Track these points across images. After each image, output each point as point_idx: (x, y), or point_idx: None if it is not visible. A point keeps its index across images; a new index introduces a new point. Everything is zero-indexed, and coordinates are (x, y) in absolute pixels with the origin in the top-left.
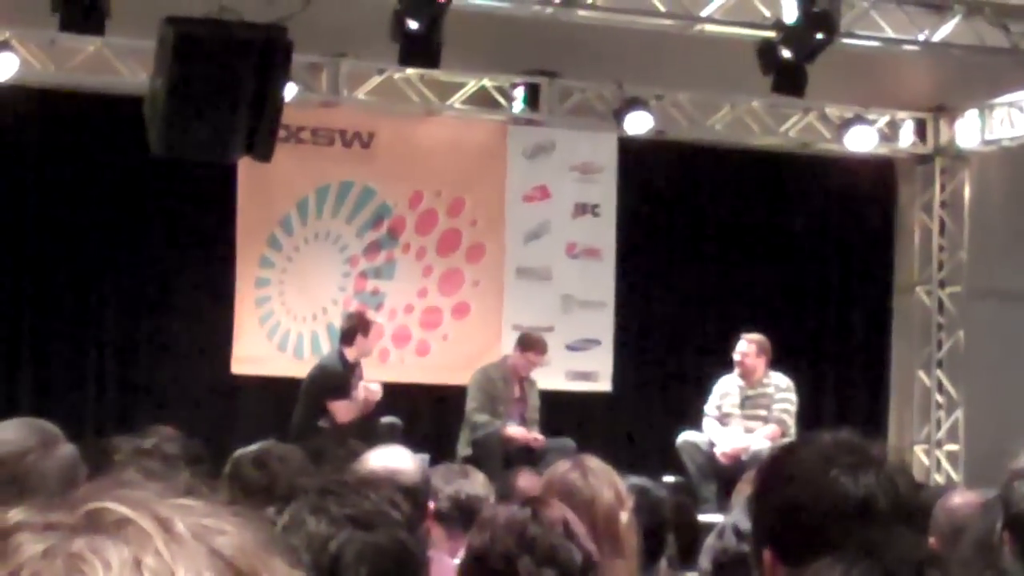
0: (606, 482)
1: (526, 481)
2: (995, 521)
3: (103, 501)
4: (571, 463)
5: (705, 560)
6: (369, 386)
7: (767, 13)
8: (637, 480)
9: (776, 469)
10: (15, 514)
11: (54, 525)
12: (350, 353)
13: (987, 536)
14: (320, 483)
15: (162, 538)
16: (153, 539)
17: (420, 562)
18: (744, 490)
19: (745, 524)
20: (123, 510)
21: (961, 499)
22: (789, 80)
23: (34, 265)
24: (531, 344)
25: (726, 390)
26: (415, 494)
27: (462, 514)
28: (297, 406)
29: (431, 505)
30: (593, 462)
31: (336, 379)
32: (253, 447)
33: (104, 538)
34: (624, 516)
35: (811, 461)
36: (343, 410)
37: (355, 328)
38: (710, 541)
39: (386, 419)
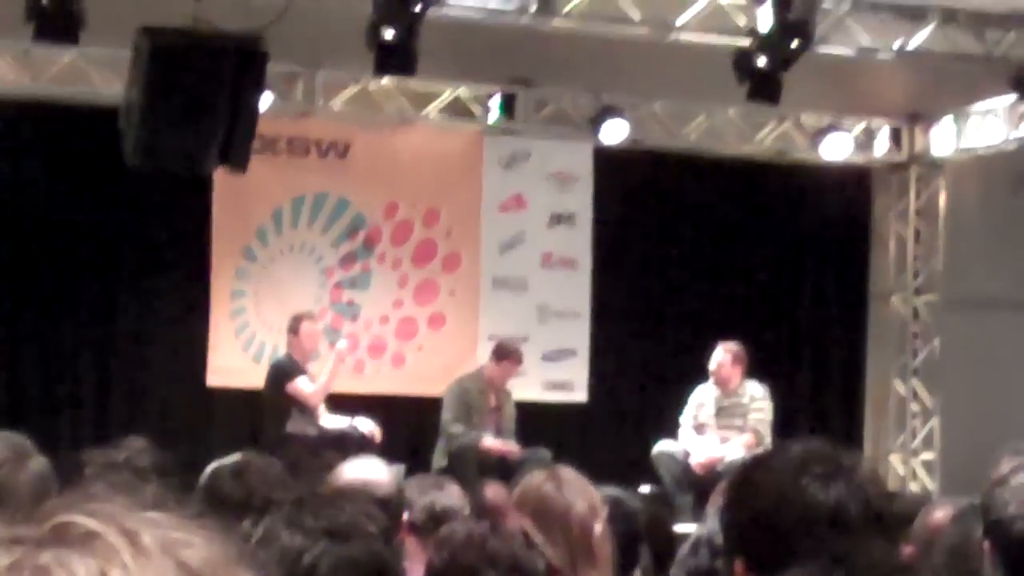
0: (580, 493)
1: (494, 492)
2: (970, 529)
3: (70, 515)
4: (545, 474)
5: (680, 573)
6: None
7: (742, 22)
8: (611, 491)
9: (747, 479)
10: None
11: (20, 539)
12: (297, 354)
13: (961, 544)
14: (294, 495)
15: (129, 551)
16: (120, 552)
17: (396, 573)
18: (717, 501)
19: (719, 537)
20: (90, 523)
21: (943, 512)
22: (764, 88)
23: (7, 276)
24: (507, 354)
25: (701, 400)
26: (390, 505)
27: (436, 526)
28: (264, 416)
29: (405, 516)
30: (567, 473)
31: (285, 365)
32: (231, 459)
33: (70, 552)
34: (598, 527)
35: (782, 471)
36: (305, 385)
37: (288, 329)
38: (683, 554)
39: (364, 424)
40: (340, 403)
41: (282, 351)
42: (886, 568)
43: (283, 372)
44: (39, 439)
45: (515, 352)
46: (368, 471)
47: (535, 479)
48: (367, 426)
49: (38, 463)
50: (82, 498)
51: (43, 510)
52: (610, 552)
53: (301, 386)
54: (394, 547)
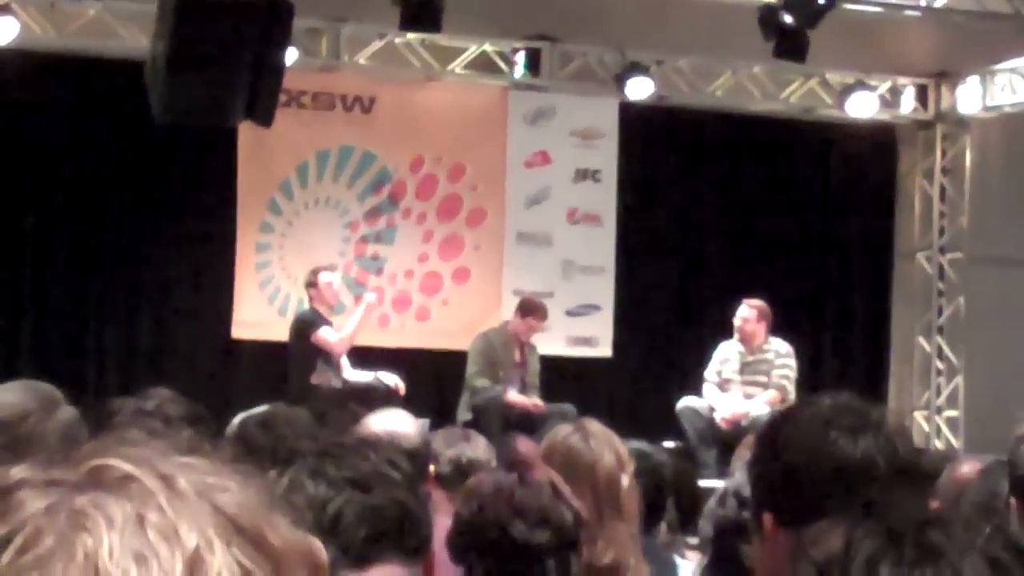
0: (607, 446)
1: (524, 446)
2: (996, 485)
3: (106, 458)
4: (572, 427)
5: (706, 526)
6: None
7: None
8: (638, 444)
9: (775, 432)
10: (17, 471)
11: (56, 482)
12: (321, 308)
13: (988, 499)
14: (319, 446)
15: (165, 495)
16: (156, 496)
17: (422, 520)
18: (744, 455)
19: (747, 490)
20: (126, 467)
21: (969, 467)
22: (791, 46)
23: (34, 230)
24: (532, 309)
25: (726, 356)
26: (415, 457)
27: (463, 478)
28: (289, 367)
29: (432, 468)
30: (594, 426)
31: (309, 316)
32: (259, 409)
33: (107, 495)
34: (625, 479)
35: (810, 424)
36: (330, 334)
37: (307, 283)
38: (711, 506)
39: (389, 378)
40: (365, 356)
41: (307, 304)
42: (917, 519)
43: (307, 323)
44: (64, 392)
45: (540, 308)
46: (394, 423)
47: (562, 432)
48: (391, 380)
49: (67, 412)
50: (117, 442)
51: (78, 454)
52: (637, 505)
53: (325, 335)
54: (420, 496)
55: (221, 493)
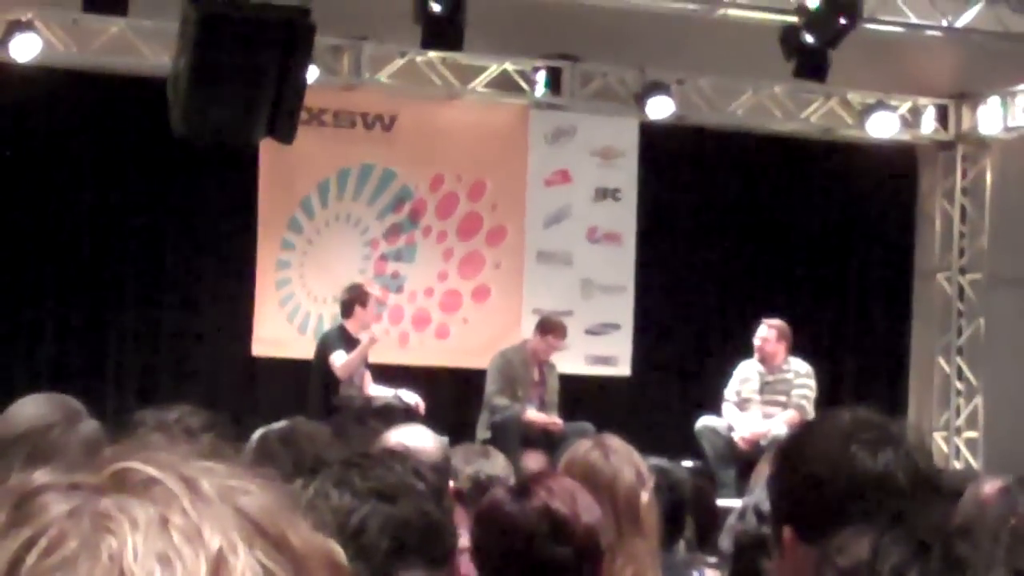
0: (627, 461)
1: (533, 462)
2: (1017, 503)
3: (128, 462)
4: (592, 443)
5: (726, 541)
6: (372, 330)
7: None
8: (657, 461)
9: (795, 446)
10: (40, 476)
11: (79, 486)
12: (351, 326)
13: (1008, 517)
14: (344, 456)
15: (188, 497)
16: (179, 498)
17: (446, 530)
18: (764, 471)
19: (766, 505)
20: (149, 470)
21: (990, 487)
22: (811, 65)
23: (55, 246)
24: (551, 328)
25: (746, 375)
26: (436, 473)
27: (482, 494)
28: (310, 384)
29: (451, 485)
30: (614, 441)
31: (331, 338)
32: (280, 424)
33: (130, 498)
34: (645, 495)
35: (830, 438)
36: (340, 360)
37: (353, 300)
38: (731, 522)
39: (408, 396)
40: (384, 374)
41: (327, 322)
42: (945, 530)
43: (329, 344)
44: (85, 408)
45: (560, 327)
46: (414, 439)
47: (582, 447)
48: (412, 398)
49: (89, 425)
50: (140, 447)
51: (101, 458)
52: (656, 521)
53: (335, 360)
54: (445, 506)
55: (243, 496)
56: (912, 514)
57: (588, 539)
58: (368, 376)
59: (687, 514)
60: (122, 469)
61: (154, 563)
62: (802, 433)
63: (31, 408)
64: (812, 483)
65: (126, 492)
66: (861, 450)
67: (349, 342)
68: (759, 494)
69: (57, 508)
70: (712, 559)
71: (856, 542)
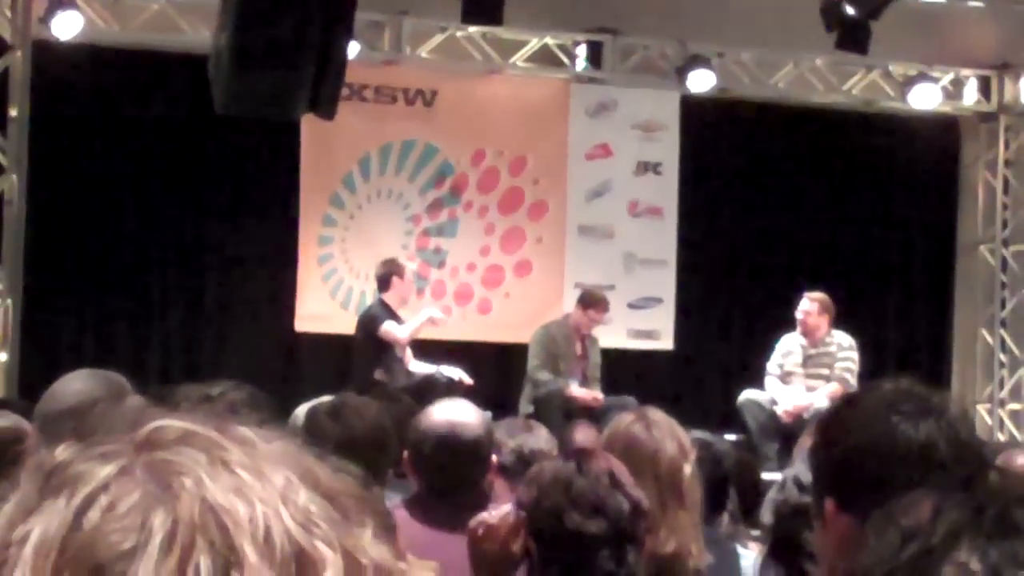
0: (669, 434)
1: (583, 435)
2: None
3: (160, 421)
4: (634, 415)
5: (767, 514)
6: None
7: None
8: (699, 434)
9: (837, 417)
10: (62, 450)
11: (113, 452)
12: (390, 299)
13: None
14: None
15: (239, 445)
16: (223, 443)
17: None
18: (806, 443)
19: (807, 476)
20: (182, 424)
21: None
22: (853, 37)
23: (99, 223)
24: (593, 302)
25: (788, 348)
26: (478, 447)
27: (525, 468)
28: (353, 360)
29: (494, 458)
30: (656, 414)
31: (376, 311)
32: (328, 398)
33: (175, 448)
34: (687, 468)
35: (871, 409)
36: (396, 328)
37: (390, 273)
38: (772, 494)
39: (453, 371)
40: (426, 349)
41: (370, 298)
42: (1004, 495)
43: (373, 317)
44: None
45: (601, 300)
46: (457, 413)
47: (624, 420)
48: (455, 373)
49: (135, 400)
50: (163, 412)
51: (124, 423)
52: (699, 494)
53: (391, 328)
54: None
55: (271, 443)
56: (977, 480)
57: (623, 516)
58: (409, 352)
59: (730, 487)
60: (155, 428)
61: (233, 494)
62: (843, 404)
63: (77, 384)
64: (854, 454)
65: (164, 448)
66: (903, 421)
67: (391, 316)
68: (800, 466)
69: (103, 470)
70: (755, 532)
71: (920, 504)
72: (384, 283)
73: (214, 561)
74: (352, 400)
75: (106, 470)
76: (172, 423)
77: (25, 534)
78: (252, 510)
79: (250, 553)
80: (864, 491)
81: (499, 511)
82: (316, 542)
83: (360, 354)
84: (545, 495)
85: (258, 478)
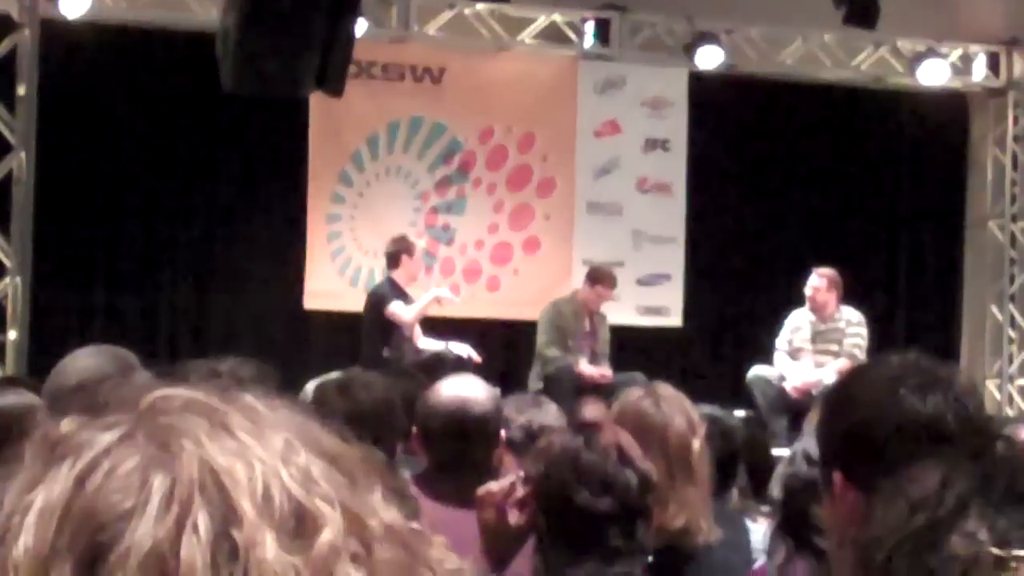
0: (678, 409)
1: (592, 410)
2: None
3: (161, 391)
4: (643, 391)
5: (776, 488)
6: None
7: None
8: (708, 409)
9: (844, 391)
10: (67, 423)
11: (116, 421)
12: (399, 277)
13: None
14: None
15: (240, 410)
16: (224, 409)
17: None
18: (815, 418)
19: (815, 450)
20: (184, 393)
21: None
22: (861, 13)
23: (107, 201)
24: (600, 278)
25: (797, 324)
26: (487, 422)
27: (534, 443)
28: (363, 339)
29: (503, 434)
30: (665, 389)
31: (384, 290)
32: (336, 374)
33: (177, 415)
34: (696, 443)
35: (878, 382)
36: (402, 310)
37: (399, 251)
38: (780, 469)
39: (461, 347)
40: (435, 327)
41: (378, 275)
42: (1012, 464)
43: (381, 296)
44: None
45: (609, 276)
46: (466, 388)
47: (633, 395)
48: (463, 350)
49: (142, 377)
50: (164, 383)
51: (126, 395)
52: (708, 469)
53: (397, 309)
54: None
55: (282, 409)
56: (985, 451)
57: (631, 492)
58: (418, 329)
59: (739, 461)
60: (162, 395)
61: (232, 456)
62: (850, 378)
63: (85, 360)
64: (861, 427)
65: (166, 414)
66: (910, 394)
67: (400, 294)
68: (808, 440)
69: (104, 438)
70: (765, 508)
71: (928, 474)
72: (393, 261)
73: (212, 518)
74: (360, 376)
75: (108, 437)
76: (175, 391)
77: (29, 502)
78: (251, 470)
79: (248, 510)
80: (872, 464)
81: (503, 480)
82: (316, 500)
83: (368, 332)
84: (553, 470)
85: (258, 440)
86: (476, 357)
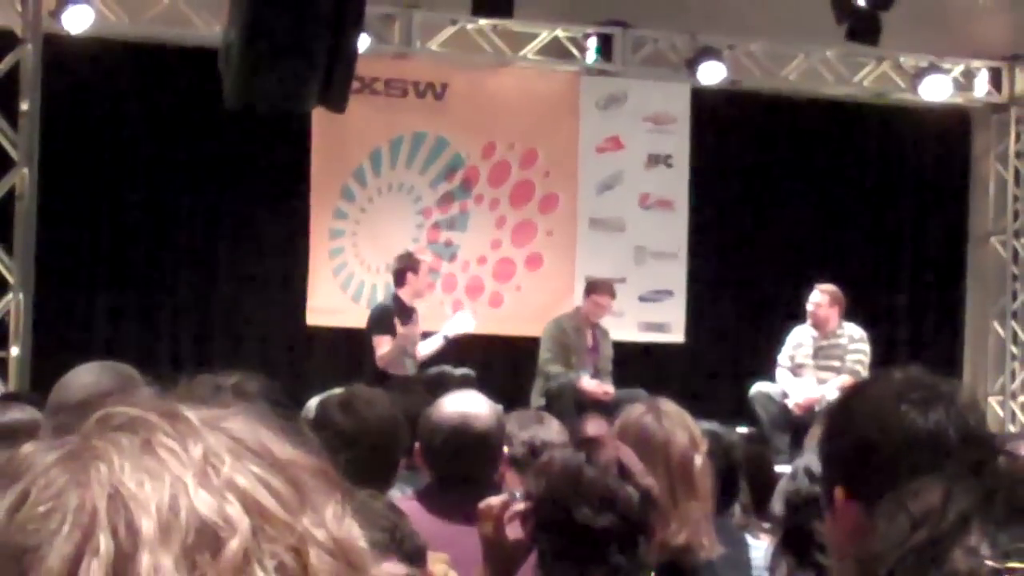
0: (680, 425)
1: (594, 426)
2: None
3: (110, 407)
4: (645, 407)
5: (778, 504)
6: (413, 329)
7: None
8: (708, 425)
9: (845, 406)
10: (28, 445)
11: (64, 441)
12: (404, 294)
13: None
14: None
15: (169, 423)
16: (161, 425)
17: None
18: (817, 434)
19: (817, 466)
20: (130, 410)
21: None
22: (863, 29)
23: (111, 216)
24: (595, 287)
25: (799, 340)
26: (489, 439)
27: (536, 460)
28: (364, 354)
29: (506, 450)
30: (667, 405)
31: (380, 313)
32: (338, 391)
33: (114, 433)
34: (699, 459)
35: (880, 397)
36: (381, 344)
37: (404, 268)
38: (782, 485)
39: (459, 370)
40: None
41: (381, 291)
42: (1012, 479)
43: (376, 319)
44: (140, 376)
45: (604, 284)
46: (468, 405)
47: (635, 411)
48: (463, 368)
49: (145, 392)
50: (124, 398)
51: (85, 412)
52: (710, 485)
53: (379, 344)
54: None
55: (226, 421)
56: (986, 466)
57: (632, 509)
58: (416, 342)
59: (742, 478)
60: (104, 415)
61: (144, 475)
62: (851, 393)
63: (86, 376)
64: (863, 443)
65: (102, 434)
66: (911, 409)
67: (403, 311)
68: (810, 456)
69: (44, 458)
70: (767, 524)
71: (929, 490)
72: (399, 278)
73: (114, 541)
74: (362, 392)
75: (47, 458)
76: (119, 409)
77: None
78: (159, 489)
79: (149, 530)
80: (873, 479)
81: (502, 495)
82: (227, 509)
83: (369, 348)
84: (553, 486)
85: (175, 456)
86: (472, 374)
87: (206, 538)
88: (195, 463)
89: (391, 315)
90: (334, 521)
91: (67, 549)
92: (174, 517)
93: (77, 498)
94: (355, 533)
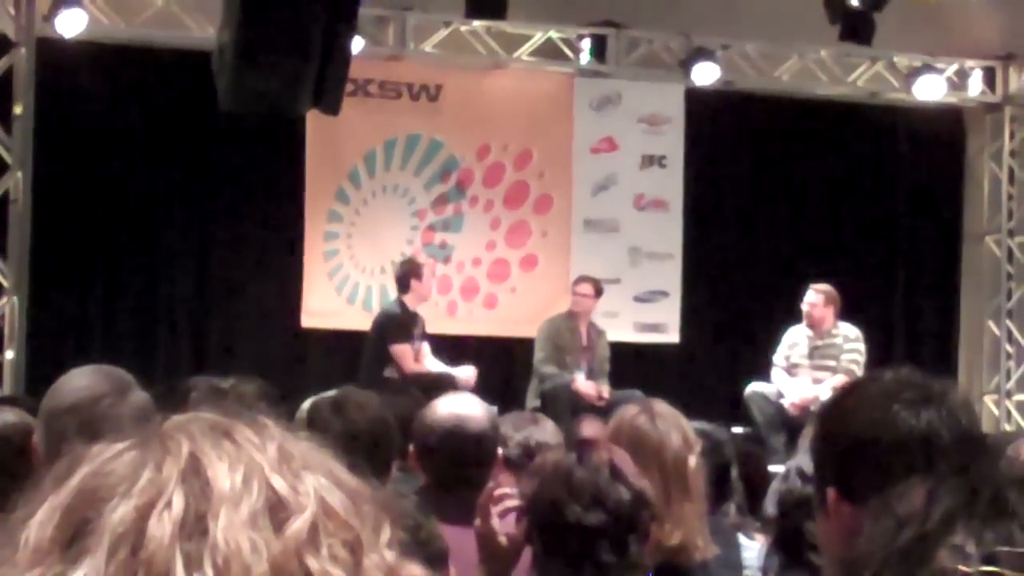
0: (674, 426)
1: (589, 427)
2: None
3: (178, 417)
4: (639, 408)
5: (771, 505)
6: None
7: None
8: (701, 425)
9: (837, 407)
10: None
11: (143, 434)
12: (409, 300)
13: None
14: None
15: (249, 425)
16: (239, 425)
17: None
18: (810, 435)
19: (810, 467)
20: (200, 414)
21: None
22: (857, 29)
23: (104, 220)
24: (577, 281)
25: (794, 340)
26: (483, 440)
27: (531, 461)
28: (363, 356)
29: (500, 452)
30: (661, 406)
31: (397, 320)
32: (330, 392)
33: (194, 427)
34: (692, 460)
35: (872, 397)
36: (406, 356)
37: (408, 274)
38: (775, 486)
39: (462, 368)
40: (433, 344)
41: (376, 293)
42: (998, 480)
43: (393, 327)
44: (136, 379)
45: (584, 276)
46: (462, 406)
47: (629, 412)
48: (464, 373)
49: (139, 396)
50: (168, 401)
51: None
52: (704, 485)
53: (403, 355)
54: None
55: (299, 438)
56: (971, 466)
57: (623, 508)
58: (424, 349)
59: (735, 477)
60: (174, 421)
61: (223, 453)
62: (844, 394)
63: (81, 380)
64: (855, 443)
65: (178, 428)
66: (903, 409)
67: (411, 318)
68: (803, 457)
69: (116, 447)
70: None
71: (915, 490)
72: (403, 284)
73: (187, 498)
74: (354, 394)
75: (120, 446)
76: (191, 415)
77: (37, 508)
78: (236, 467)
79: (223, 490)
80: (865, 480)
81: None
82: (299, 488)
83: (371, 353)
84: (546, 487)
85: (254, 445)
86: (471, 382)
87: (275, 511)
88: (270, 455)
89: (405, 322)
90: (384, 548)
91: (140, 501)
92: (247, 488)
93: (156, 463)
94: (405, 564)
